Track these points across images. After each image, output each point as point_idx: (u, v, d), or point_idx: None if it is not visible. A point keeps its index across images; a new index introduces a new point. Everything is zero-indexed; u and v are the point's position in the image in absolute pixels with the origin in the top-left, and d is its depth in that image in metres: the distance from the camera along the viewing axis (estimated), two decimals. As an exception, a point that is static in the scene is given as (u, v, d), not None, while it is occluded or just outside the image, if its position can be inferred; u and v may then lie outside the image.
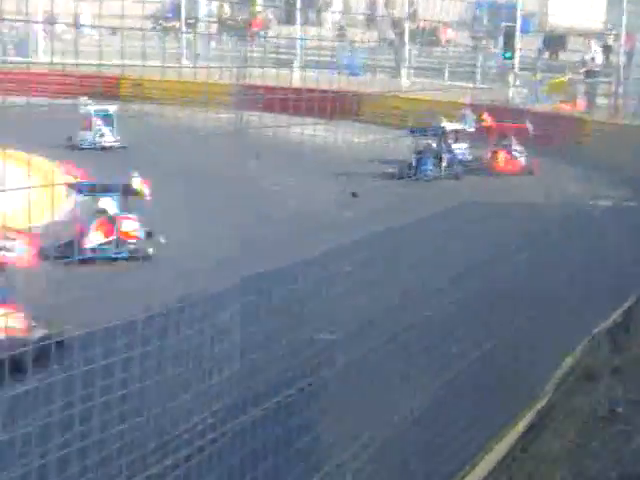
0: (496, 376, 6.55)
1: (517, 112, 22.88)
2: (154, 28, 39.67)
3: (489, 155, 24.04)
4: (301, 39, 33.41)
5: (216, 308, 3.76)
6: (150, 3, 43.35)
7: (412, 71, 31.30)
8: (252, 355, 4.14)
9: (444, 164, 23.79)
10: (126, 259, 12.75)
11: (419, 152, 23.94)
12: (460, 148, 24.88)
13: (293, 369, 4.53)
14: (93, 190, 13.47)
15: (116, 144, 24.69)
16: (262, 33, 37.74)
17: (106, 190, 13.84)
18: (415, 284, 5.61)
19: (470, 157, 24.17)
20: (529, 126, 19.86)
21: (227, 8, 42.85)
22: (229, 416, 4.11)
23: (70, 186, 12.84)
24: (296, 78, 30.48)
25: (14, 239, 9.67)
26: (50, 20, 34.12)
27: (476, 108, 24.54)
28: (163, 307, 3.37)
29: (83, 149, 24.18)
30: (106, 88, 34.32)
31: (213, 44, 37.50)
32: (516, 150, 23.76)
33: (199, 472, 3.71)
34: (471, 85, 27.40)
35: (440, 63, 31.22)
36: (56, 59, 33.84)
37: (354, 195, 4.73)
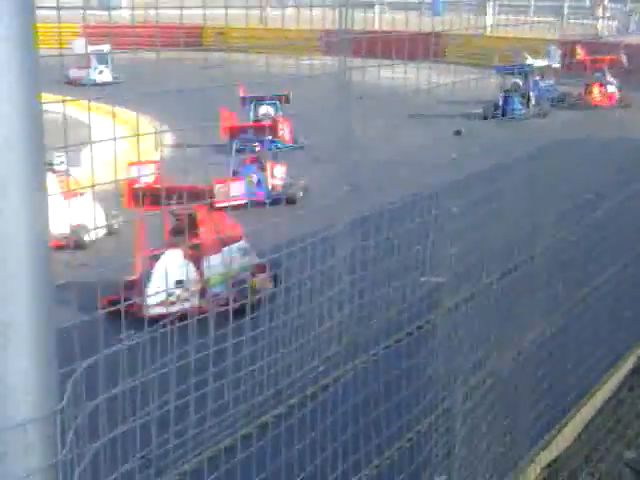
0: (606, 316, 6.42)
1: (609, 45, 22.34)
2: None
3: (583, 89, 23.57)
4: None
5: (325, 253, 3.70)
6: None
7: (497, 8, 30.73)
8: (360, 299, 4.08)
9: (532, 102, 23.44)
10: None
11: (506, 91, 23.60)
12: (546, 85, 24.45)
13: (401, 313, 4.47)
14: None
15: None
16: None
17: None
18: (523, 223, 5.50)
19: (557, 93, 23.69)
20: (623, 58, 19.38)
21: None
22: (340, 362, 4.08)
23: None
24: (378, 21, 30.10)
25: None
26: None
27: (563, 44, 24.00)
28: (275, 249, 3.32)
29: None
30: (189, 38, 34.41)
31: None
32: (610, 83, 23.27)
33: (312, 419, 3.68)
34: (558, 20, 26.77)
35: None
36: (138, 10, 34.03)
37: (458, 133, 4.59)
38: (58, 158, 11.85)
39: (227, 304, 3.04)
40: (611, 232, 6.67)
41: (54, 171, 11.53)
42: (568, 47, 23.59)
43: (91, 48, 27.95)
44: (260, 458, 3.43)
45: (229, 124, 16.66)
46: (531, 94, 23.53)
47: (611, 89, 22.74)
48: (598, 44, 22.58)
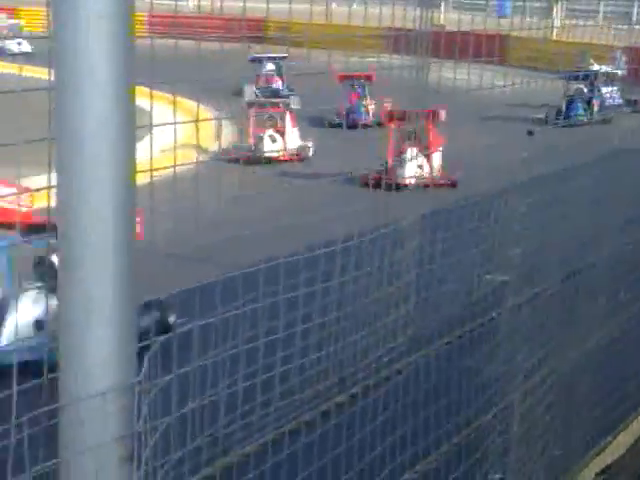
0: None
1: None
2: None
3: None
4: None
5: (398, 241, 3.74)
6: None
7: (564, 13, 30.48)
8: (425, 293, 4.11)
9: (595, 108, 23.24)
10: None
11: (569, 96, 23.42)
12: (611, 91, 24.21)
13: (464, 309, 4.49)
14: None
15: None
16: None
17: None
18: (588, 226, 5.49)
19: (621, 100, 23.47)
20: None
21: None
22: (402, 355, 4.11)
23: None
24: (443, 19, 29.98)
25: None
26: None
27: (630, 50, 23.79)
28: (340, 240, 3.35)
29: None
30: (252, 31, 34.56)
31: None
32: None
33: (374, 409, 3.71)
34: (626, 26, 26.47)
35: (595, 3, 30.31)
36: (204, 2, 34.33)
37: (530, 133, 4.60)
38: None
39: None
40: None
41: None
42: (635, 54, 23.39)
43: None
44: (322, 444, 3.46)
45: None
46: (594, 100, 23.34)
47: None
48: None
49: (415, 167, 16.30)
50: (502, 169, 4.43)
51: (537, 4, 31.72)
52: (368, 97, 24.26)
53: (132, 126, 2.12)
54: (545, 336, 4.84)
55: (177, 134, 2.69)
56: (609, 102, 23.27)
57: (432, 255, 4.03)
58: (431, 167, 17.07)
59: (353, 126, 21.71)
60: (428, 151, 16.99)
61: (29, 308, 7.75)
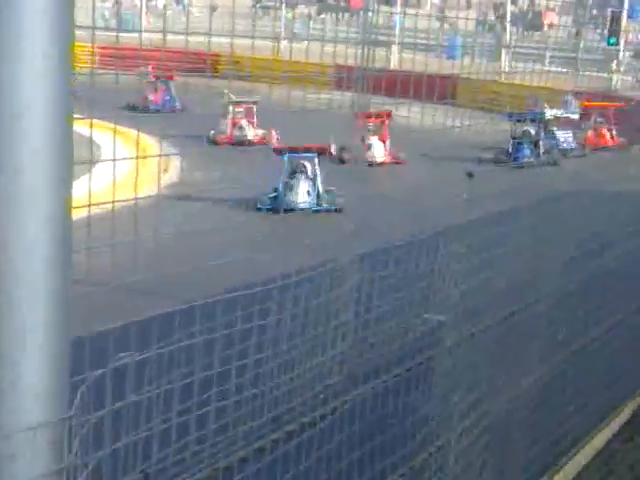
0: (606, 365, 6.47)
1: (620, 100, 22.61)
2: (254, 6, 39.94)
3: (588, 133, 24.14)
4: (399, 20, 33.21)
5: (335, 280, 3.77)
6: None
7: (512, 55, 30.91)
8: (364, 332, 4.15)
9: (541, 150, 23.54)
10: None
11: (515, 138, 23.73)
12: (564, 135, 24.60)
13: (401, 348, 4.53)
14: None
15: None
16: (361, 13, 37.62)
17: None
18: (525, 268, 5.56)
19: (574, 144, 23.90)
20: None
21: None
22: (338, 393, 4.13)
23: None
24: (394, 60, 30.27)
25: None
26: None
27: (578, 95, 24.21)
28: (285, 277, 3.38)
29: None
30: (203, 65, 34.57)
31: (311, 23, 37.55)
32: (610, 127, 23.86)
33: (309, 447, 3.73)
34: (573, 71, 26.95)
35: (541, 48, 30.79)
36: (157, 35, 34.31)
37: (470, 175, 4.66)
38: None
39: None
40: (614, 282, 6.73)
41: None
42: (579, 99, 23.87)
43: None
44: (256, 481, 3.47)
45: None
46: (541, 142, 23.65)
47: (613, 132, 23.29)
48: (609, 98, 22.88)
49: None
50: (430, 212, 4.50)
51: (485, 46, 32.14)
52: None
53: (69, 160, 2.14)
54: (482, 376, 4.90)
55: (129, 167, 2.72)
56: (563, 146, 23.66)
57: (370, 294, 4.07)
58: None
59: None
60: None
61: None
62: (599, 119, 24.23)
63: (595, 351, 6.42)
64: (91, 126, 2.70)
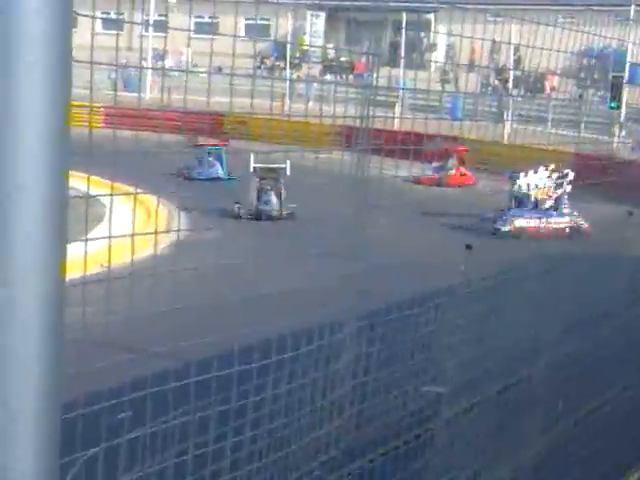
0: (608, 434, 6.41)
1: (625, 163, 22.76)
2: (259, 67, 40.30)
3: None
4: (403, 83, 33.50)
5: (330, 356, 3.76)
6: (253, 42, 44.00)
7: (515, 118, 31.06)
8: (360, 405, 4.13)
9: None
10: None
11: (517, 196, 24.06)
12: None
13: (400, 421, 4.50)
14: None
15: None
16: (365, 75, 37.95)
17: None
18: (525, 336, 5.55)
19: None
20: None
21: (331, 50, 43.23)
22: (334, 468, 4.09)
23: None
24: (398, 121, 30.43)
25: None
26: (158, 57, 34.70)
27: (580, 158, 24.34)
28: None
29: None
30: (211, 125, 34.85)
31: (315, 85, 37.82)
32: None
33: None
34: (575, 134, 27.08)
35: (544, 111, 31.00)
36: (163, 96, 34.59)
37: (468, 247, 4.66)
38: None
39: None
40: (614, 351, 6.69)
41: None
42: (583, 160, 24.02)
43: None
44: None
45: None
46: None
47: None
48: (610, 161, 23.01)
49: None
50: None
51: (487, 108, 32.33)
52: None
53: (63, 219, 2.12)
54: (481, 448, 4.86)
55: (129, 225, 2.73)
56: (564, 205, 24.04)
57: (368, 367, 4.06)
58: None
59: None
60: None
61: None
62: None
63: (597, 421, 6.37)
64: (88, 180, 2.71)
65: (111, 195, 2.88)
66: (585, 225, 21.13)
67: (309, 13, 46.32)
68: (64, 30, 2.00)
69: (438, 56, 41.36)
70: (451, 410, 4.58)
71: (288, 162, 21.75)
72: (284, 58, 42.58)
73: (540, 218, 20.28)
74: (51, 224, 2.11)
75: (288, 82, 37.75)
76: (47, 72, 1.99)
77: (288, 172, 22.19)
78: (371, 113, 4.57)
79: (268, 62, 42.71)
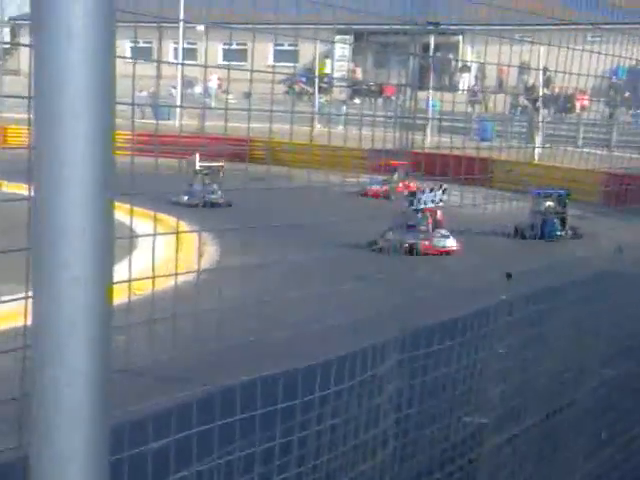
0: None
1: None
2: (287, 92, 40.43)
3: None
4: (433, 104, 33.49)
5: (372, 391, 3.73)
6: (284, 67, 44.28)
7: (544, 137, 30.98)
8: (404, 438, 4.09)
9: (567, 224, 24.06)
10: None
11: (542, 213, 24.28)
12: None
13: (443, 452, 4.46)
14: None
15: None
16: (394, 97, 37.92)
17: None
18: (569, 365, 5.48)
19: None
20: None
21: (359, 73, 43.32)
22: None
23: None
24: (428, 142, 30.46)
25: None
26: (188, 84, 34.92)
27: (611, 176, 24.27)
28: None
29: None
30: (242, 150, 34.89)
31: (344, 108, 37.87)
32: None
33: None
34: (606, 153, 26.96)
35: (574, 130, 30.90)
36: (192, 121, 34.81)
37: (508, 276, 4.59)
38: None
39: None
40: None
41: None
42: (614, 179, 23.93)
43: None
44: None
45: None
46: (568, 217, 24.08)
47: None
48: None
49: None
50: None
51: (517, 129, 32.28)
52: None
53: (110, 241, 2.10)
54: (524, 477, 4.80)
55: (160, 252, 2.74)
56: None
57: (410, 399, 4.02)
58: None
59: None
60: None
61: None
62: None
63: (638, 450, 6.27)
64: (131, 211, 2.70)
65: (154, 235, 2.87)
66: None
67: (336, 37, 46.49)
68: (107, 81, 2.00)
69: (467, 77, 41.36)
70: (495, 439, 4.52)
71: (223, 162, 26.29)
72: (313, 83, 42.76)
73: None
74: (100, 264, 2.10)
75: (317, 106, 37.83)
76: (91, 122, 1.99)
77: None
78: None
79: (297, 87, 42.84)
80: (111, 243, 2.05)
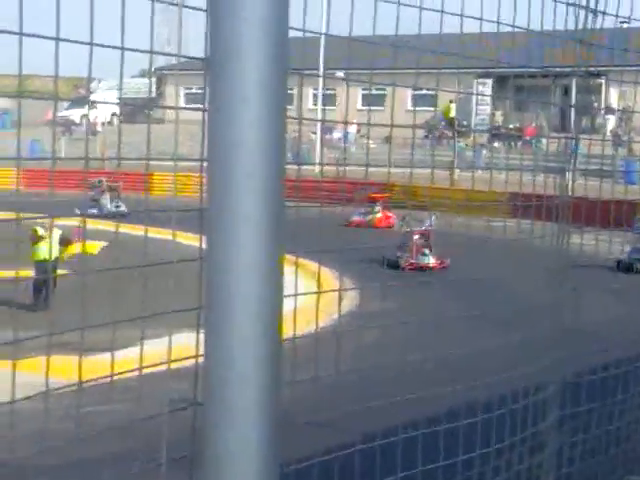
0: None
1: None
2: (426, 137, 40.38)
3: None
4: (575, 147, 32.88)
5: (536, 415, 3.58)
6: (423, 112, 44.30)
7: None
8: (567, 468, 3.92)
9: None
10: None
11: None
12: None
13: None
14: None
15: None
16: (534, 141, 37.47)
17: None
18: None
19: None
20: None
21: (499, 116, 42.96)
22: None
23: None
24: (570, 186, 29.80)
25: None
26: (327, 130, 35.16)
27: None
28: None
29: None
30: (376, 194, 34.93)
31: (484, 152, 37.59)
32: None
33: None
34: None
35: None
36: (330, 166, 35.02)
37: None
38: None
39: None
40: None
41: None
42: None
43: None
44: None
45: None
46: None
47: None
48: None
49: None
50: None
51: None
52: None
53: (279, 294, 2.08)
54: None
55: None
56: None
57: (572, 458, 3.84)
58: None
59: None
60: None
61: None
62: None
63: None
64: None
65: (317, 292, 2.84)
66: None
67: (476, 81, 46.30)
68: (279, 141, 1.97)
69: (611, 119, 40.59)
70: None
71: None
72: (451, 127, 42.62)
73: None
74: (270, 325, 2.07)
75: (456, 150, 37.62)
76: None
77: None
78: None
79: (436, 132, 42.77)
80: (280, 303, 2.02)
